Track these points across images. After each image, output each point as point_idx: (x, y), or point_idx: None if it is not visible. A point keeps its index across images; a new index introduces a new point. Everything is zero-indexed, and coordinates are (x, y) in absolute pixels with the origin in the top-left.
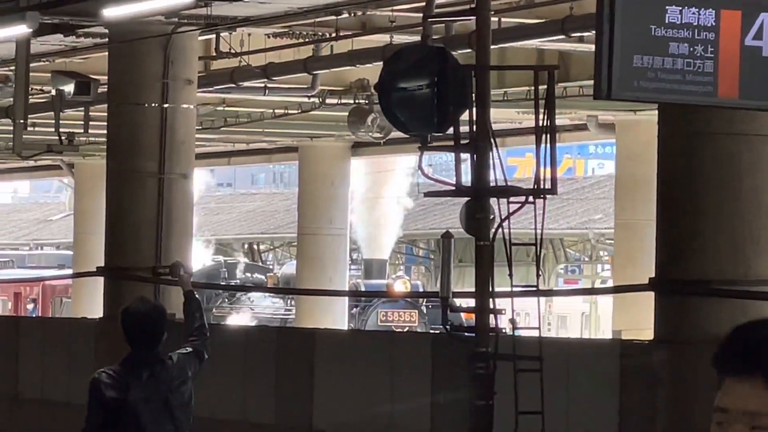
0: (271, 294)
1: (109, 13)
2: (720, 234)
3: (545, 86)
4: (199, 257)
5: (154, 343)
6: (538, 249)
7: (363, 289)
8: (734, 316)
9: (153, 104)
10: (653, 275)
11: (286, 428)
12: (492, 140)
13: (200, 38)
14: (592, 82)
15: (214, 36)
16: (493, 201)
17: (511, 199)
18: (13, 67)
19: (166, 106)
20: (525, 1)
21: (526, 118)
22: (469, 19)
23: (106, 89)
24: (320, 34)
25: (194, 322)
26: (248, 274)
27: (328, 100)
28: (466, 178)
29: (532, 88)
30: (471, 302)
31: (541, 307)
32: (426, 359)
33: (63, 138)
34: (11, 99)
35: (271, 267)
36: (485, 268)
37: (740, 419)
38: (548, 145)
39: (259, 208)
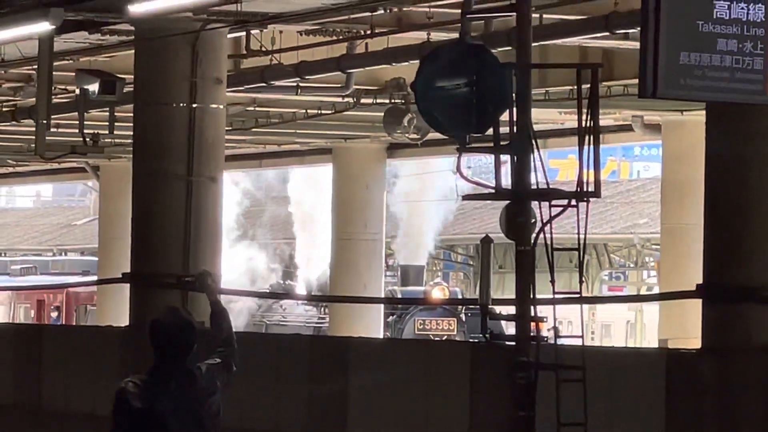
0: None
1: (136, 9)
2: None
3: (588, 85)
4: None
5: (183, 355)
6: (581, 254)
7: (399, 296)
8: None
9: (181, 104)
10: (701, 282)
11: None
12: (533, 141)
13: (230, 35)
14: (637, 80)
15: (244, 33)
16: (534, 204)
17: (553, 202)
18: (35, 66)
19: (194, 106)
20: None
21: (568, 118)
22: (510, 16)
23: (132, 88)
24: (354, 31)
25: (222, 333)
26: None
27: (362, 100)
28: (506, 181)
29: (575, 87)
30: (511, 310)
31: (584, 314)
32: (465, 369)
33: (87, 139)
34: (34, 99)
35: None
36: (526, 274)
37: None
38: (592, 146)
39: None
